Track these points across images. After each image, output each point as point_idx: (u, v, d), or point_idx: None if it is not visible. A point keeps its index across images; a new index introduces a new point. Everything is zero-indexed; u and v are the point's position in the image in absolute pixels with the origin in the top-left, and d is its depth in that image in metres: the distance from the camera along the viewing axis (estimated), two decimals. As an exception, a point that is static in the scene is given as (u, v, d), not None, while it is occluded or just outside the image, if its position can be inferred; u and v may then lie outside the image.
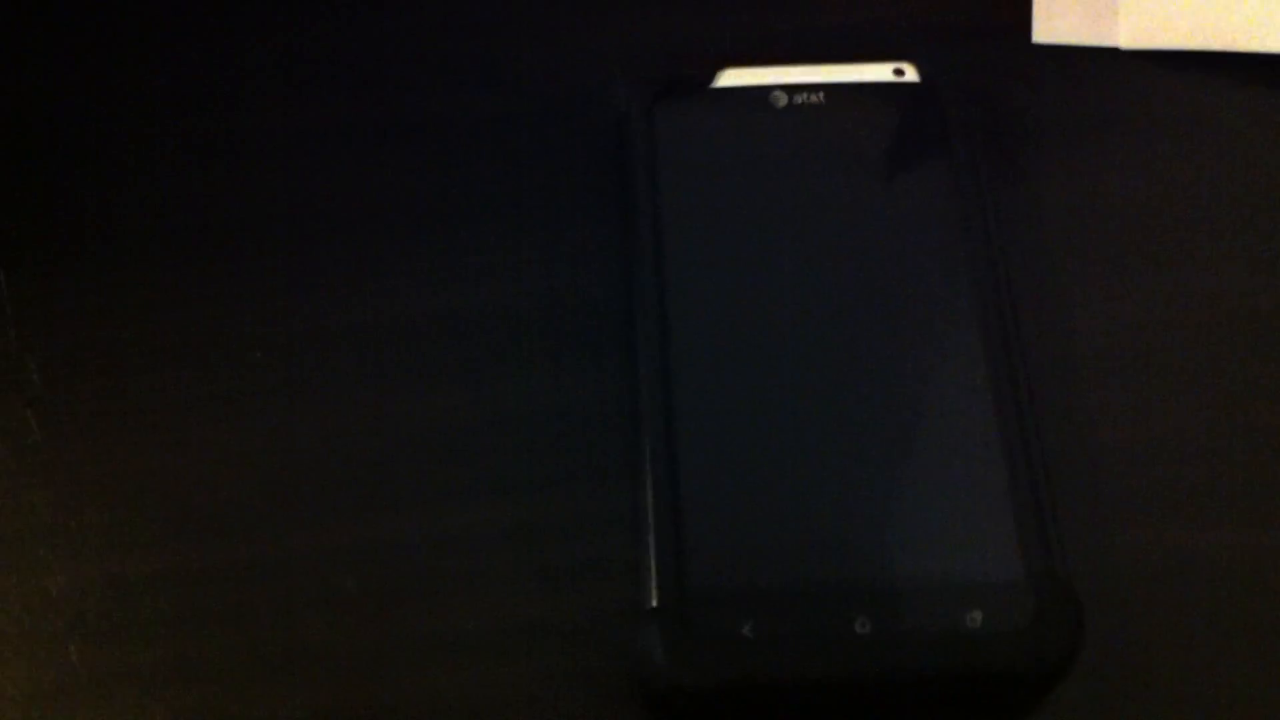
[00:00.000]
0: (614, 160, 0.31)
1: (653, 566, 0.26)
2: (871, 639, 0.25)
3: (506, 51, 0.34)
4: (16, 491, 0.28)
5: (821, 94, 0.31)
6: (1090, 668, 0.26)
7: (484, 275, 0.31)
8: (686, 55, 0.32)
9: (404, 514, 0.28)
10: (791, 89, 0.31)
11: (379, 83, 0.33)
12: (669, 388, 0.28)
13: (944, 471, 0.27)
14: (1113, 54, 0.33)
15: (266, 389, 0.29)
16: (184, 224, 0.31)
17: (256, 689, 0.26)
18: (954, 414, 0.27)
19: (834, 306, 0.29)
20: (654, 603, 0.26)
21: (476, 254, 0.31)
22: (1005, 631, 0.25)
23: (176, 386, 0.29)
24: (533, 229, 0.31)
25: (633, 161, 0.30)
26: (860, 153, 0.30)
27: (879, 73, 0.31)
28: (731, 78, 0.31)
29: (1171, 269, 0.31)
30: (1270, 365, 0.29)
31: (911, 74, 0.31)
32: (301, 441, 0.29)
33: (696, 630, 0.25)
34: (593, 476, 0.28)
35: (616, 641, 0.26)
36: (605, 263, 0.30)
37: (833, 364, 0.28)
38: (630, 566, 0.26)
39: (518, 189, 0.32)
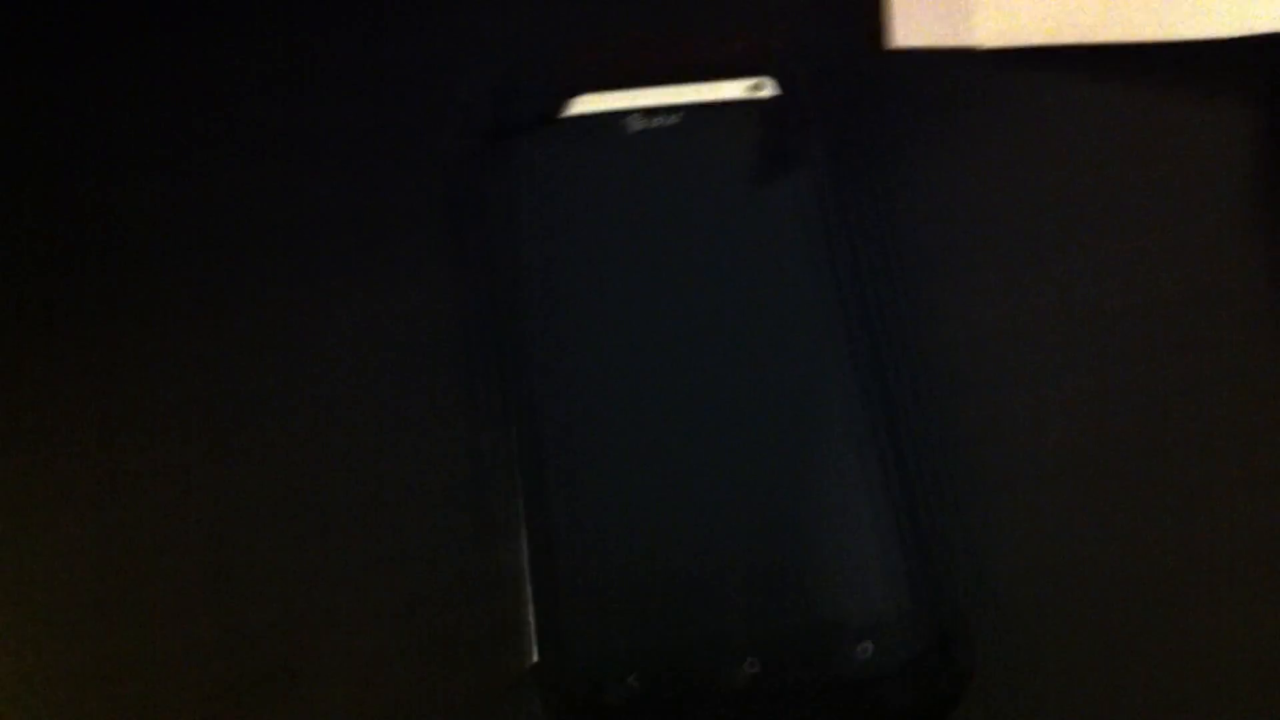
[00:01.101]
0: (464, 199, 0.30)
1: (532, 622, 0.25)
2: (761, 679, 0.24)
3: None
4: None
5: (677, 115, 0.30)
6: (982, 691, 0.25)
7: (342, 333, 0.29)
8: (536, 86, 0.31)
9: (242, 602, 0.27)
10: (646, 112, 0.30)
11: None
12: (539, 438, 0.27)
13: (825, 507, 0.26)
14: (971, 54, 0.33)
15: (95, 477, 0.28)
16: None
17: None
18: (832, 448, 0.27)
19: (705, 339, 0.28)
20: (534, 659, 0.25)
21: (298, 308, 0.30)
22: (896, 661, 0.25)
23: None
24: (388, 279, 0.30)
25: (485, 200, 0.29)
26: (722, 172, 0.30)
27: (735, 90, 0.30)
28: (581, 105, 0.30)
29: (1044, 269, 0.30)
30: (1143, 368, 0.29)
31: (769, 88, 0.30)
32: (107, 533, 0.27)
33: (580, 683, 0.24)
34: (477, 539, 0.27)
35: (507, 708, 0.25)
36: (437, 320, 0.29)
37: (706, 401, 0.27)
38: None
39: (342, 246, 0.30)
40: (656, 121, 0.30)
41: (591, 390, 0.27)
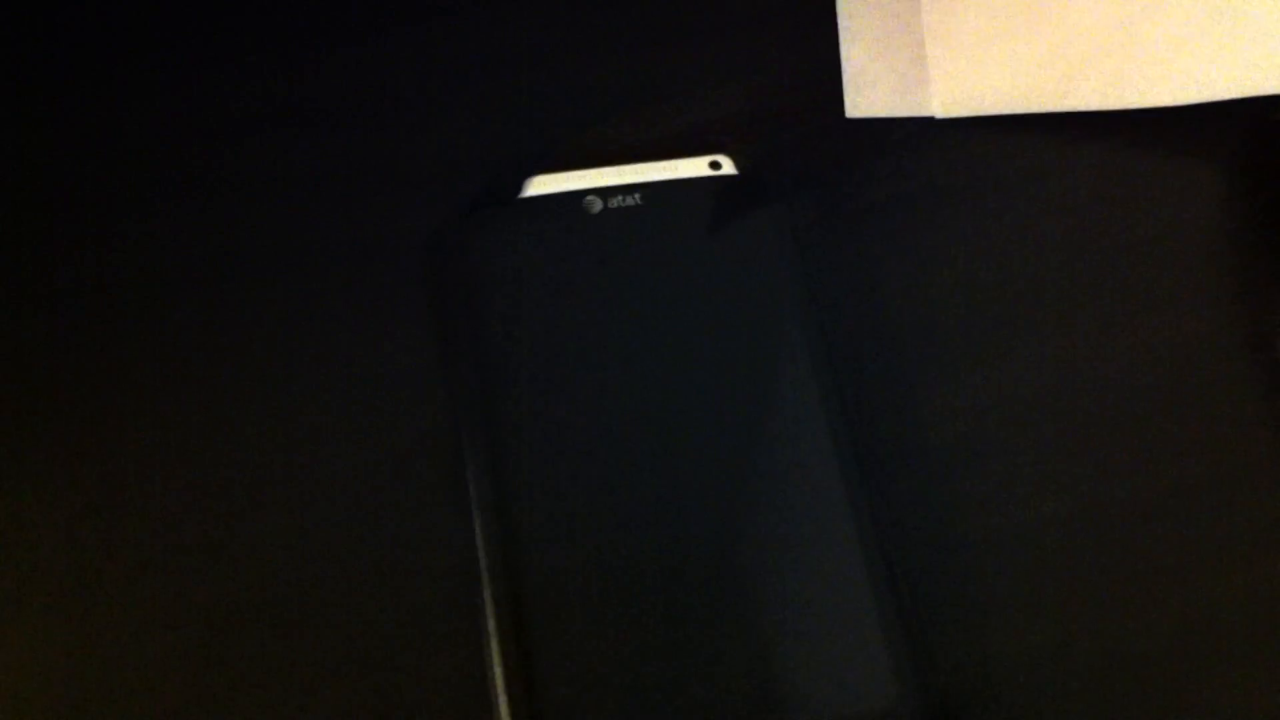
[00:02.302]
0: (424, 280, 0.29)
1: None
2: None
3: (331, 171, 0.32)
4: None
5: (637, 195, 0.29)
6: None
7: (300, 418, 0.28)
8: (494, 168, 0.30)
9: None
10: (605, 192, 0.29)
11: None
12: (508, 529, 0.25)
13: (806, 603, 0.25)
14: (929, 123, 0.33)
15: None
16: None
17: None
18: (810, 538, 0.26)
19: (676, 419, 0.27)
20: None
21: (297, 389, 0.28)
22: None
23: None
24: (343, 360, 0.29)
25: (444, 280, 0.28)
26: (684, 251, 0.29)
27: (695, 168, 0.30)
28: (541, 185, 0.29)
29: (1018, 340, 0.30)
30: (1122, 435, 0.29)
31: (728, 166, 0.30)
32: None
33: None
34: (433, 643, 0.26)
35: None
36: (426, 393, 0.28)
37: (678, 485, 0.26)
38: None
39: (324, 324, 0.29)
40: (616, 201, 0.29)
41: (560, 475, 0.26)
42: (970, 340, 0.30)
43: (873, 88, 0.33)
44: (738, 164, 0.30)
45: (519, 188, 0.29)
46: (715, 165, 0.30)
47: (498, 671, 0.24)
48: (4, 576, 0.26)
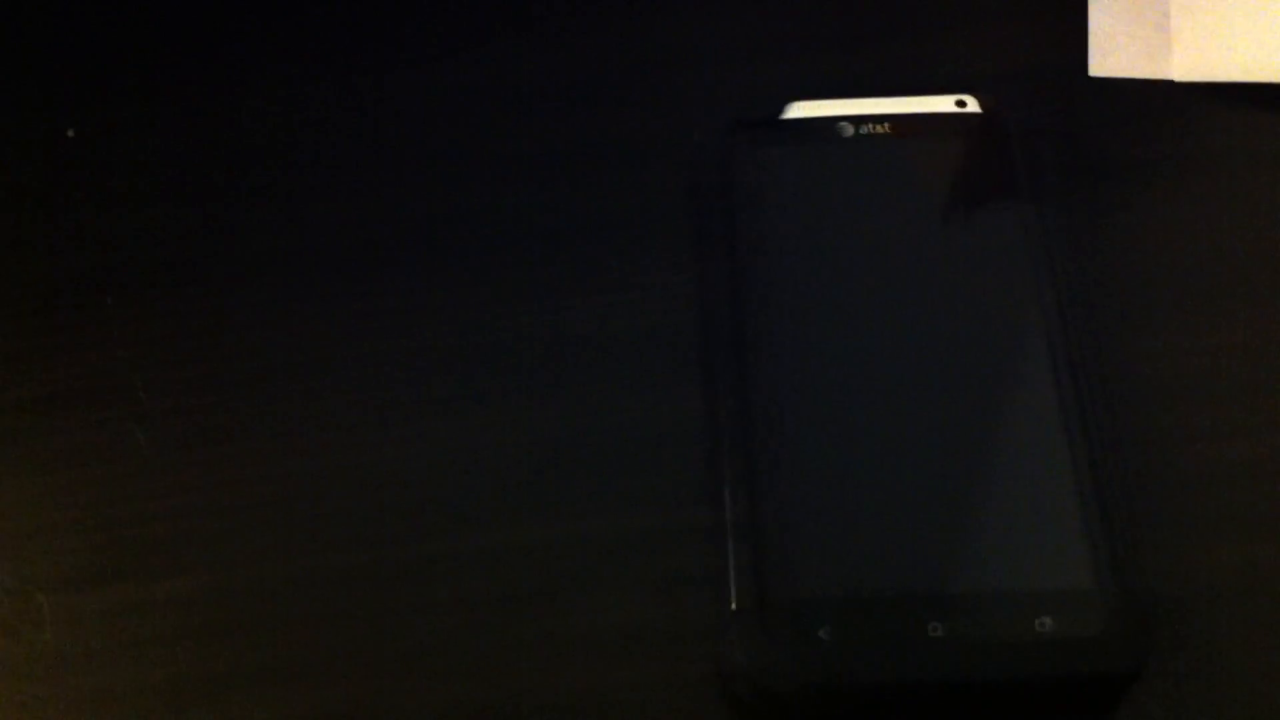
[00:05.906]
0: (690, 191, 0.32)
1: (733, 571, 0.27)
2: (945, 643, 0.26)
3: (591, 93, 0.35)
4: (129, 504, 0.29)
5: (886, 124, 0.32)
6: (1172, 681, 0.27)
7: (572, 302, 0.32)
8: (755, 94, 0.34)
9: (517, 524, 0.29)
10: (857, 119, 0.32)
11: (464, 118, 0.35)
12: (747, 405, 0.29)
13: (1015, 483, 0.28)
14: (1169, 87, 0.34)
15: (379, 405, 0.31)
16: (291, 245, 0.33)
17: (375, 687, 0.28)
18: (1025, 431, 0.28)
19: (906, 329, 0.30)
20: (734, 605, 0.27)
21: (567, 281, 0.32)
22: (1076, 637, 0.26)
23: (286, 402, 0.31)
24: (612, 260, 0.33)
25: (708, 191, 0.32)
26: (926, 181, 0.32)
27: (942, 104, 0.32)
28: (799, 110, 0.32)
29: (1232, 297, 0.31)
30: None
31: (974, 105, 0.32)
32: (416, 455, 0.30)
33: (775, 632, 0.26)
34: (698, 492, 0.29)
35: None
36: (685, 290, 0.32)
37: (904, 380, 0.29)
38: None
39: (606, 220, 0.33)
40: (867, 129, 0.32)
41: (798, 365, 0.29)
42: (1186, 292, 0.31)
43: (1117, 48, 0.35)
44: (983, 105, 0.32)
45: (779, 111, 0.33)
46: (961, 104, 0.32)
47: (730, 515, 0.28)
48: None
